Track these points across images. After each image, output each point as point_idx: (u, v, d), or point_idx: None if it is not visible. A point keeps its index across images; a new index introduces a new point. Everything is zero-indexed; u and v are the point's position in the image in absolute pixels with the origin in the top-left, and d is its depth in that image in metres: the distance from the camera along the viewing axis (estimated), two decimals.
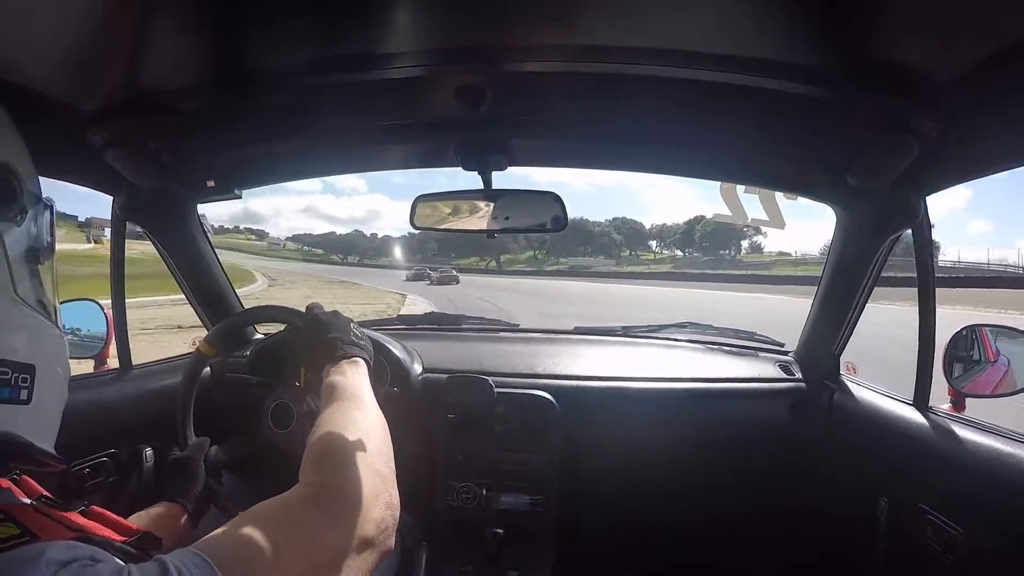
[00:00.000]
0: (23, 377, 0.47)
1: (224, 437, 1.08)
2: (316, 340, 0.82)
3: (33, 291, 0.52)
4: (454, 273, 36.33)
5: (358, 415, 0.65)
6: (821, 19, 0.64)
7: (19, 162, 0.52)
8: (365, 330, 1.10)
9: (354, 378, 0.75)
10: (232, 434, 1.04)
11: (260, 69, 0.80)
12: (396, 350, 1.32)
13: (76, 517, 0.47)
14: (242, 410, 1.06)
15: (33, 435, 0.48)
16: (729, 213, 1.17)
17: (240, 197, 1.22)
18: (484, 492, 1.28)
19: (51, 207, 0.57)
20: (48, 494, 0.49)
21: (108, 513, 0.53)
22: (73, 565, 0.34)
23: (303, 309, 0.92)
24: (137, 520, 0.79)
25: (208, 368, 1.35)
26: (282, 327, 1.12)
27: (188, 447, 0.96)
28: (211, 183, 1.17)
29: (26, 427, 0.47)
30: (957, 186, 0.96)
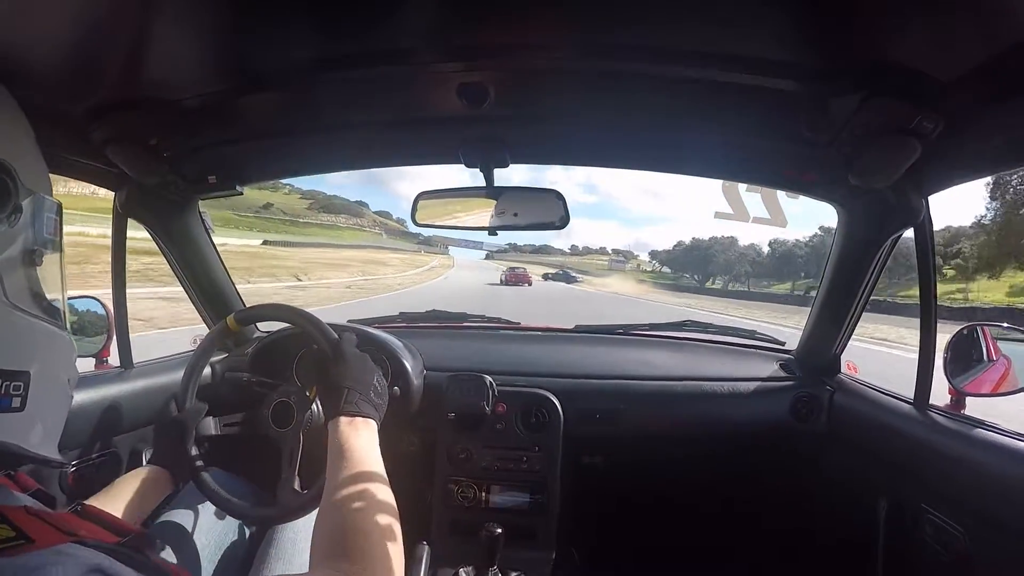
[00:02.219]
0: (15, 385, 0.46)
1: (224, 434, 1.08)
2: (333, 378, 0.79)
3: (30, 294, 0.50)
4: (526, 272, 31.86)
5: (375, 492, 0.64)
6: (824, 19, 0.64)
7: (18, 158, 0.50)
8: (369, 329, 1.10)
9: (368, 443, 0.72)
10: (232, 428, 1.04)
11: (262, 65, 0.80)
12: (397, 348, 1.32)
13: (70, 518, 0.46)
14: (242, 407, 1.06)
15: (28, 441, 0.47)
16: (731, 211, 1.17)
17: (241, 193, 1.22)
18: (484, 491, 1.28)
19: (58, 204, 0.55)
20: (43, 488, 0.48)
21: (103, 513, 0.52)
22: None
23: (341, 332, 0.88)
24: (123, 483, 0.82)
25: (209, 367, 1.35)
26: (284, 325, 1.12)
27: (185, 411, 0.96)
28: (213, 179, 1.17)
29: (20, 434, 0.46)
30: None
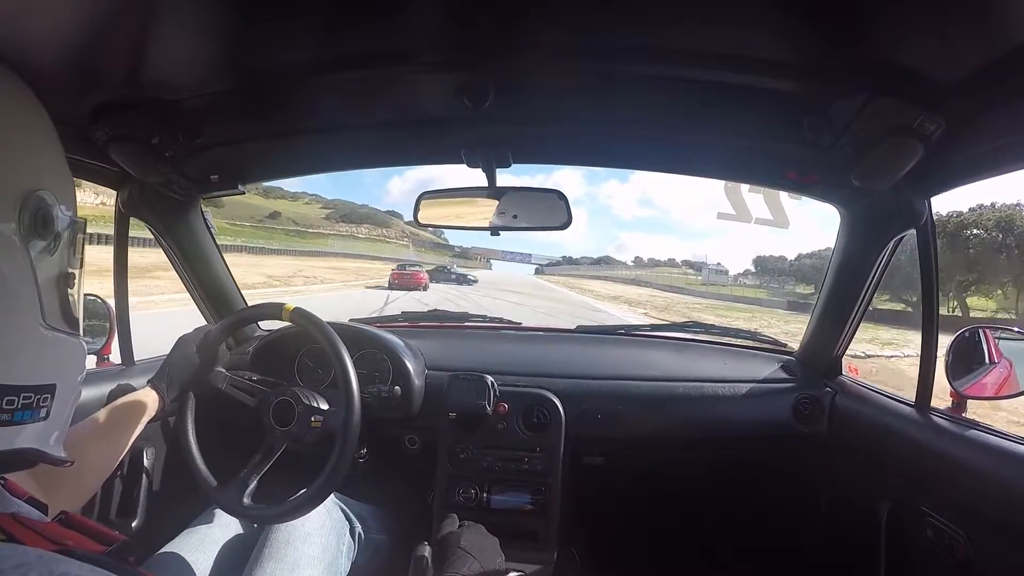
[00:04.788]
0: (44, 397, 0.48)
1: (227, 435, 1.09)
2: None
3: (62, 313, 0.52)
4: (418, 273, 22.75)
5: None
6: (826, 20, 0.64)
7: (57, 185, 0.51)
8: (371, 328, 1.09)
9: None
10: (238, 431, 1.05)
11: (265, 64, 0.81)
12: (399, 348, 1.32)
13: (55, 527, 0.47)
14: (244, 405, 1.07)
15: (45, 444, 0.50)
16: (733, 212, 1.17)
17: (244, 192, 1.22)
18: (485, 491, 1.28)
19: (84, 223, 0.55)
20: (34, 496, 0.49)
21: (86, 521, 0.53)
22: None
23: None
24: (114, 406, 0.88)
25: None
26: (285, 324, 1.12)
27: (215, 351, 1.03)
28: (215, 178, 1.17)
29: (40, 439, 0.49)
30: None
